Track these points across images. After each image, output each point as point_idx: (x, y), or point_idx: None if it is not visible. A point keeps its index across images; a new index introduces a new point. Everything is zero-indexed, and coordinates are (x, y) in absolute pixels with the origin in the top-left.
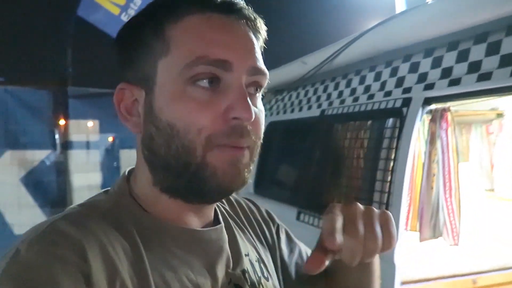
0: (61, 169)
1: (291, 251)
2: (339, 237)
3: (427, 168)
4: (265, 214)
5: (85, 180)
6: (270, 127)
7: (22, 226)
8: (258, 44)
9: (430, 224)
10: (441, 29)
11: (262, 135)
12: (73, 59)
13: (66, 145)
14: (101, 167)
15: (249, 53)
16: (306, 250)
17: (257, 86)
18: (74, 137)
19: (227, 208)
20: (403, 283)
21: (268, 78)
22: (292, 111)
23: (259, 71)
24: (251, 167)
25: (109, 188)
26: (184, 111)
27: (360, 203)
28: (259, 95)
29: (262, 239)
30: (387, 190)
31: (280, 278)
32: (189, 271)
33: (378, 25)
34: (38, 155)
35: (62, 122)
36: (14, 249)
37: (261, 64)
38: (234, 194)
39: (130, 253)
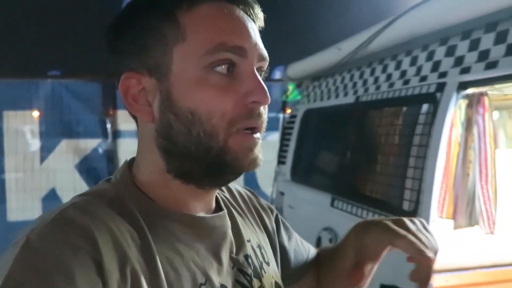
0: (111, 157)
1: (289, 238)
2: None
3: (463, 155)
4: (263, 203)
5: None
6: (306, 114)
7: None
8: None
9: (466, 212)
10: (479, 10)
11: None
12: None
13: (116, 134)
14: None
15: (258, 41)
16: (299, 238)
17: (260, 71)
18: (122, 126)
19: (227, 196)
20: (437, 271)
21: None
22: (329, 98)
23: (264, 58)
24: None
25: (110, 177)
26: (206, 97)
27: (393, 190)
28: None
29: (261, 226)
30: (419, 177)
31: (278, 263)
32: (195, 256)
33: (414, 8)
34: (90, 144)
35: (111, 112)
36: (25, 237)
37: (265, 51)
38: (234, 183)
39: (137, 239)
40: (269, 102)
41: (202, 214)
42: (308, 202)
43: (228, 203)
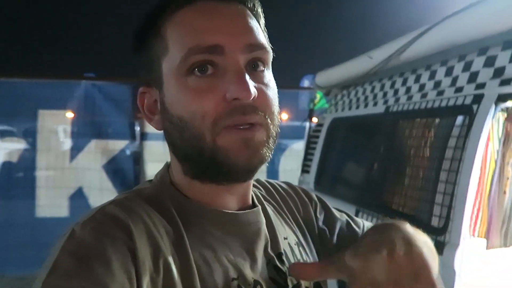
0: (138, 158)
1: (332, 224)
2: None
3: (499, 171)
4: (302, 194)
5: (158, 169)
6: (333, 123)
7: None
8: (254, 22)
9: (501, 231)
10: None
11: (275, 109)
12: None
13: (143, 136)
14: None
15: (241, 32)
16: (350, 221)
17: (259, 61)
18: (150, 129)
19: (264, 193)
20: None
21: (270, 52)
22: (357, 107)
23: (256, 47)
24: (271, 144)
25: (152, 179)
26: (187, 102)
27: (422, 205)
28: (265, 70)
29: (301, 222)
30: (450, 192)
31: (317, 257)
32: (228, 252)
33: (450, 16)
34: (118, 145)
35: (140, 114)
36: (71, 229)
37: (257, 39)
38: (270, 180)
39: (172, 234)
40: (252, 97)
41: (235, 210)
42: None
43: (263, 200)
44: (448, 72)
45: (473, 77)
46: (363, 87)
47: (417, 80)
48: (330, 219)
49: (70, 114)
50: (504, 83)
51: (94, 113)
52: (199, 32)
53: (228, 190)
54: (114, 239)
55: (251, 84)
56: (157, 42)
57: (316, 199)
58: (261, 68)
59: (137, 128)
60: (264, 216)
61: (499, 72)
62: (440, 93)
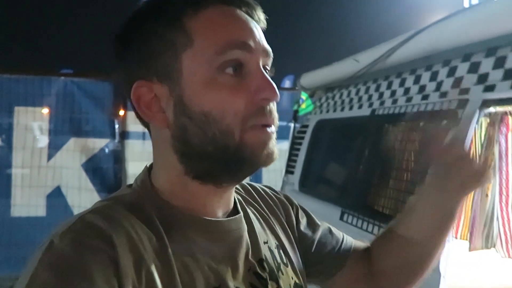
0: (118, 157)
1: (313, 230)
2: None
3: None
4: (283, 198)
5: (139, 168)
6: (318, 125)
7: (81, 208)
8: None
9: (483, 233)
10: (506, 27)
11: None
12: None
13: (124, 135)
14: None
15: (261, 37)
16: (331, 229)
17: (266, 69)
18: (131, 127)
19: (244, 195)
20: None
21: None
22: (342, 109)
23: (268, 54)
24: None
25: (132, 183)
26: (218, 98)
27: (405, 206)
28: None
29: (282, 223)
30: None
31: (301, 259)
32: (210, 260)
33: (436, 23)
34: (98, 143)
35: (121, 113)
36: (48, 240)
37: (269, 47)
38: (250, 182)
39: (154, 242)
40: (278, 97)
41: (219, 218)
42: (316, 214)
43: (244, 203)
44: (433, 77)
45: (457, 83)
46: (348, 89)
47: (402, 84)
48: (311, 224)
49: (47, 111)
50: (487, 89)
51: (73, 110)
52: (230, 30)
53: (220, 195)
54: (95, 250)
55: (276, 86)
56: (175, 35)
57: (297, 204)
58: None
59: (117, 126)
60: (246, 221)
61: (482, 78)
62: (425, 97)
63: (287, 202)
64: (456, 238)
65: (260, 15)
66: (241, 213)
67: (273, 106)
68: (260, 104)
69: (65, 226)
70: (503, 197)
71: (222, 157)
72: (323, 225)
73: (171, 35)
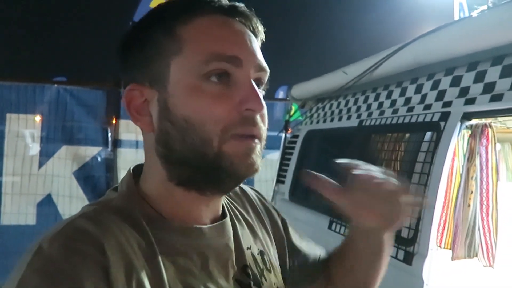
0: (110, 166)
1: (300, 239)
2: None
3: (464, 185)
4: (269, 205)
5: None
6: (309, 135)
7: None
8: (258, 44)
9: (465, 243)
10: (485, 43)
11: (267, 126)
12: None
13: (116, 143)
14: None
15: (255, 51)
16: (309, 240)
17: (260, 82)
18: (123, 136)
19: (232, 195)
20: None
21: (268, 75)
22: (332, 120)
23: (262, 68)
24: (261, 157)
25: (117, 186)
26: (200, 105)
27: None
28: (261, 92)
29: (269, 228)
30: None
31: (286, 265)
32: (194, 268)
33: (420, 37)
34: (90, 151)
35: (113, 121)
36: (37, 245)
37: (263, 61)
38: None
39: (145, 249)
40: (263, 110)
41: (203, 225)
42: (305, 223)
43: (230, 206)
44: (418, 90)
45: (440, 96)
46: (337, 100)
47: (389, 96)
48: (296, 232)
49: (40, 119)
50: (468, 102)
51: (66, 118)
52: (221, 41)
53: (206, 203)
54: (84, 256)
55: (262, 99)
56: (167, 41)
57: (282, 215)
58: (261, 88)
59: (110, 135)
60: (232, 226)
61: (464, 91)
62: (411, 109)
63: (273, 210)
64: (440, 247)
65: (257, 26)
66: (227, 218)
67: (259, 118)
68: (244, 114)
69: (55, 231)
70: (484, 207)
71: (201, 165)
72: (305, 236)
73: (163, 41)
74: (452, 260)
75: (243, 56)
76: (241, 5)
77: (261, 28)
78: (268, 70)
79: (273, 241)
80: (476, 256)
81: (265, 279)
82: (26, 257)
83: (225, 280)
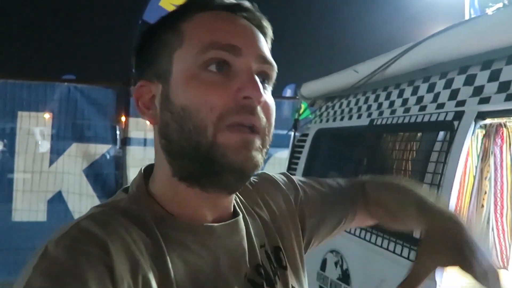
0: (119, 163)
1: (307, 200)
2: None
3: (477, 185)
4: (283, 186)
5: None
6: (318, 134)
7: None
8: (265, 40)
9: None
10: (500, 41)
11: (272, 122)
12: None
13: (125, 141)
14: None
15: (256, 42)
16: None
17: (265, 76)
18: (132, 133)
19: (243, 192)
20: None
21: (275, 70)
22: (342, 119)
23: (266, 61)
24: (264, 154)
25: (128, 186)
26: (197, 93)
27: None
28: (268, 87)
29: (288, 219)
30: None
31: (302, 245)
32: (204, 266)
33: (433, 35)
34: (100, 149)
35: (123, 119)
36: (44, 247)
37: (267, 54)
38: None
39: (151, 248)
40: (262, 98)
41: (214, 223)
42: None
43: (243, 205)
44: (430, 89)
45: (454, 94)
46: (347, 99)
47: (400, 94)
48: (302, 192)
49: (50, 116)
50: (483, 101)
51: (76, 116)
52: (219, 31)
53: (212, 202)
54: (89, 256)
55: (261, 87)
56: (172, 37)
57: (296, 182)
58: (266, 83)
59: (119, 133)
60: (244, 224)
61: (478, 90)
62: (423, 108)
63: (282, 186)
64: None
65: (263, 22)
66: (239, 216)
67: (260, 108)
68: (241, 102)
69: (60, 233)
70: (498, 207)
71: (195, 156)
72: (310, 186)
73: (169, 38)
74: None
75: (242, 45)
76: (247, 2)
77: (267, 25)
78: (274, 65)
79: (292, 227)
80: None
81: (279, 278)
82: (33, 260)
83: (237, 279)
